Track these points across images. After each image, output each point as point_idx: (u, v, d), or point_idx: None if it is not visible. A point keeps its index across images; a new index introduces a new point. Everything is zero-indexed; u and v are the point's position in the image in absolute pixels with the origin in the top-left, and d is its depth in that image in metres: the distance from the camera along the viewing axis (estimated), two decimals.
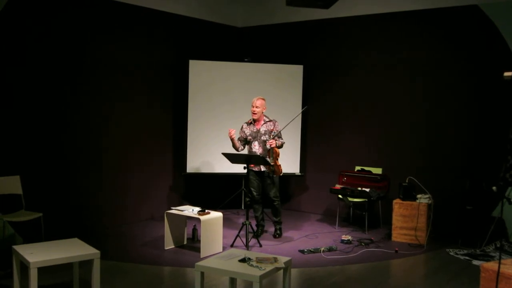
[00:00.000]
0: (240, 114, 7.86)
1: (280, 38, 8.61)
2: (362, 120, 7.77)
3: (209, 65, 7.94)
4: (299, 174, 8.19)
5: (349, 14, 7.76)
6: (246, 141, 6.55)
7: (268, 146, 6.25)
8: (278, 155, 6.27)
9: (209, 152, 7.87)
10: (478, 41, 6.75)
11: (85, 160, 6.79)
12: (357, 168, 7.51)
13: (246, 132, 6.51)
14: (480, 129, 6.77)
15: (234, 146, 6.47)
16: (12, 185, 5.86)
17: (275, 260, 4.10)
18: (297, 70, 8.10)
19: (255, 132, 6.45)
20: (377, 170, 7.32)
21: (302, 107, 7.99)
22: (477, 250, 6.10)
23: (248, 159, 6.15)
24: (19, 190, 5.90)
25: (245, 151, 6.61)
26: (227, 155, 6.23)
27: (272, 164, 6.24)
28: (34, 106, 6.20)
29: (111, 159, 7.09)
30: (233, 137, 6.35)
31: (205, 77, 7.91)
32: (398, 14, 7.35)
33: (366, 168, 7.39)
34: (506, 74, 3.78)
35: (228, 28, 8.79)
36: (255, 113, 6.40)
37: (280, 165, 6.30)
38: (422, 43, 7.21)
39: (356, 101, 7.82)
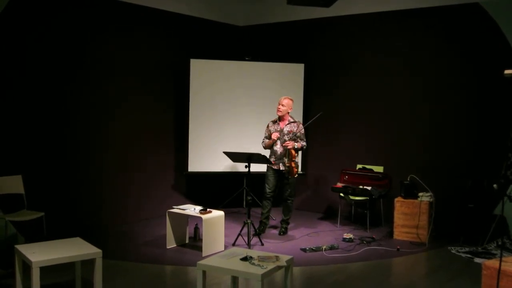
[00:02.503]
0: (241, 113, 7.88)
1: (281, 37, 8.61)
2: (363, 118, 7.77)
3: (210, 64, 7.94)
4: (301, 172, 8.16)
5: (350, 13, 7.76)
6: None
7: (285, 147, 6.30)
8: (294, 156, 6.32)
9: (211, 151, 7.87)
10: (479, 39, 6.73)
11: (87, 159, 6.80)
12: (359, 166, 7.51)
13: (271, 130, 6.55)
14: (481, 127, 6.76)
15: (267, 144, 6.52)
16: (14, 184, 5.87)
17: (277, 258, 4.11)
18: (298, 69, 8.10)
19: (278, 131, 6.48)
20: (379, 169, 7.32)
21: (303, 106, 8.01)
22: (479, 248, 6.10)
23: (249, 158, 6.15)
24: (21, 190, 5.91)
25: (247, 149, 6.62)
26: (228, 154, 6.24)
27: (287, 165, 6.28)
28: (35, 106, 6.21)
29: (112, 159, 7.10)
30: (276, 138, 6.40)
31: (206, 76, 7.91)
32: (398, 13, 7.34)
33: (368, 167, 7.38)
34: (507, 72, 3.78)
35: (229, 27, 8.78)
36: (280, 111, 6.44)
37: (295, 166, 6.35)
38: (423, 41, 7.20)
39: (357, 99, 7.82)
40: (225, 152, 6.26)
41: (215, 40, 8.52)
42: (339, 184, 7.24)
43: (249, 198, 6.39)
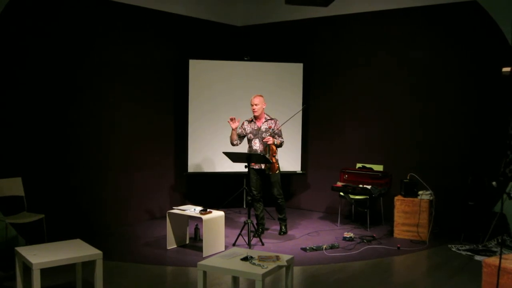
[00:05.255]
0: (240, 113, 7.86)
1: (280, 37, 8.61)
2: (362, 117, 7.77)
3: (209, 65, 7.95)
4: (301, 172, 8.19)
5: (348, 12, 7.77)
6: (243, 137, 6.56)
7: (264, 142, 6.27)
8: (274, 152, 6.28)
9: (210, 151, 7.88)
10: (477, 37, 6.74)
11: (87, 160, 6.80)
12: (358, 165, 7.51)
13: (246, 129, 6.52)
14: (480, 124, 6.76)
15: (231, 137, 6.49)
16: (14, 186, 5.87)
17: (277, 258, 4.11)
18: (297, 68, 8.10)
19: (256, 129, 6.46)
20: (378, 167, 7.32)
21: (302, 105, 8.00)
22: (479, 246, 6.10)
23: (249, 158, 6.15)
24: (21, 192, 5.91)
25: (244, 150, 6.61)
26: (228, 154, 6.24)
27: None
28: (35, 107, 6.21)
29: (112, 160, 7.10)
30: (234, 127, 6.36)
31: (205, 77, 7.92)
32: (397, 11, 7.35)
33: (367, 165, 7.39)
34: (505, 69, 3.79)
35: (227, 27, 8.79)
36: (256, 111, 6.42)
37: (275, 162, 6.32)
38: (421, 40, 7.20)
39: (356, 98, 7.82)
40: (224, 153, 6.26)
41: (213, 40, 8.52)
42: (339, 183, 7.24)
43: (249, 198, 6.38)
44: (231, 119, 6.38)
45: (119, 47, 7.12)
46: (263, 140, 6.30)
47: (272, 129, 6.37)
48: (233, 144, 6.55)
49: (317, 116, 8.23)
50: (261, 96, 6.48)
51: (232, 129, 6.43)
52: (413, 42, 7.28)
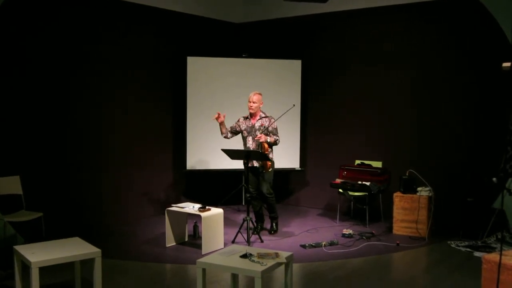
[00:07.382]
0: (239, 110, 7.85)
1: (278, 34, 8.59)
2: (361, 113, 7.76)
3: (207, 62, 7.93)
4: (299, 169, 8.18)
5: (346, 8, 7.75)
6: (236, 133, 6.51)
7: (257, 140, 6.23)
8: (267, 150, 6.25)
9: (209, 148, 7.86)
10: (477, 33, 6.72)
11: (85, 159, 6.78)
12: (357, 162, 7.50)
13: (241, 126, 6.47)
14: (480, 120, 6.76)
15: (220, 130, 6.44)
16: (12, 185, 5.86)
17: (277, 255, 4.10)
18: (295, 65, 8.08)
19: (250, 127, 6.43)
20: (377, 164, 7.32)
21: (301, 103, 8.00)
22: (479, 242, 6.10)
23: (248, 155, 6.13)
24: (19, 190, 5.90)
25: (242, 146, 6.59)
26: (226, 151, 6.22)
27: None
28: (34, 106, 6.19)
29: (111, 158, 7.08)
30: (219, 121, 6.29)
31: (204, 74, 7.90)
32: (396, 8, 7.32)
33: (366, 162, 7.38)
34: (505, 65, 3.77)
35: (225, 24, 8.77)
36: (252, 108, 6.38)
37: (269, 160, 6.29)
38: (420, 36, 7.19)
39: (355, 95, 7.81)
40: (223, 150, 6.24)
41: (211, 37, 8.50)
42: (338, 180, 7.22)
43: (247, 195, 6.37)
44: (217, 117, 6.30)
45: (117, 45, 7.10)
46: (255, 138, 6.26)
47: (265, 127, 6.33)
48: (224, 137, 6.51)
49: (316, 113, 8.21)
50: (260, 94, 6.44)
51: (220, 123, 6.35)
52: (412, 39, 7.26)
